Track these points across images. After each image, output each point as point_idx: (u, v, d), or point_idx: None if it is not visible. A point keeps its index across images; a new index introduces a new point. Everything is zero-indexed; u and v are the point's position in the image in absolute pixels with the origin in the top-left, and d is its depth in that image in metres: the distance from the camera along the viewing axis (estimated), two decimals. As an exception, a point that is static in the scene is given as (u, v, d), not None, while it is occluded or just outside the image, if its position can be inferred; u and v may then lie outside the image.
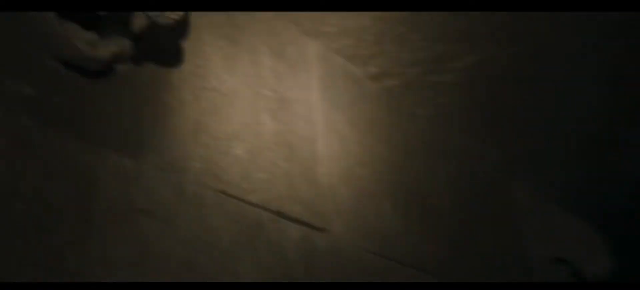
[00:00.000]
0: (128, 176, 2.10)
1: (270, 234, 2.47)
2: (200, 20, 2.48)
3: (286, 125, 2.71)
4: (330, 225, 2.73)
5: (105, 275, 1.90)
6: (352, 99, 3.10)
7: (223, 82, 2.52)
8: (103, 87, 2.10)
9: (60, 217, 1.89)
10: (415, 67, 3.23)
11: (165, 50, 2.28)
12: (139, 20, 1.99)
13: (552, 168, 4.09)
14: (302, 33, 2.88)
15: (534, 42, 3.16)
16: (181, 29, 2.18)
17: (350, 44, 3.04)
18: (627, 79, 3.45)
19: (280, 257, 2.44)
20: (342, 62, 3.11)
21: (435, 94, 3.39)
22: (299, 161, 2.72)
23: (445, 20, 2.97)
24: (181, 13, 1.90)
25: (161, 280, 2.02)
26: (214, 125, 2.45)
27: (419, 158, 3.37)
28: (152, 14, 1.88)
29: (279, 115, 2.69)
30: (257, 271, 2.33)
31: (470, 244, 3.46)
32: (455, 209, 3.47)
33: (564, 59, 3.28)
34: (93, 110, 2.07)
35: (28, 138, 1.89)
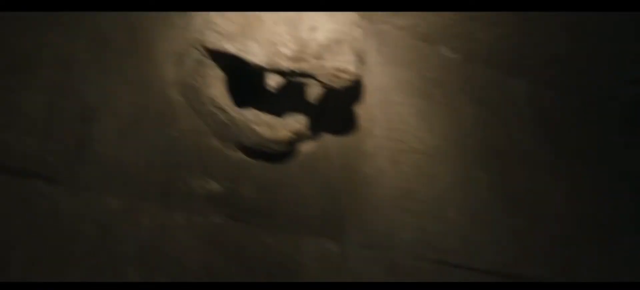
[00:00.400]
0: (332, 260, 1.92)
1: (508, 302, 2.14)
2: (386, 79, 2.28)
3: (503, 176, 2.39)
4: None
5: None
6: (577, 136, 2.67)
7: (423, 141, 2.28)
8: (291, 168, 1.96)
9: (265, 316, 1.73)
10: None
11: (347, 116, 2.10)
12: (314, 89, 1.82)
13: None
14: (502, 72, 2.57)
15: None
16: (357, 90, 1.99)
17: (561, 72, 2.65)
18: None
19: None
20: (557, 96, 2.71)
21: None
22: (526, 216, 2.38)
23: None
24: (353, 72, 1.71)
25: None
26: (421, 189, 2.20)
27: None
28: (324, 80, 1.71)
29: (492, 166, 2.38)
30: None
31: None
32: None
33: None
34: (284, 196, 1.93)
35: (221, 236, 1.79)
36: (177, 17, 1.96)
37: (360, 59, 1.85)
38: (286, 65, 1.68)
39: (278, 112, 1.87)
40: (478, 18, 2.35)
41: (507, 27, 2.39)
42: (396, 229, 2.09)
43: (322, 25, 1.70)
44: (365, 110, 2.19)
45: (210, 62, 1.81)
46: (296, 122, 1.89)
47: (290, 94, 1.86)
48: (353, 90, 1.92)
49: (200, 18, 1.80)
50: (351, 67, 1.73)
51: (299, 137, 1.91)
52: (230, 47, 1.73)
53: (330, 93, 1.81)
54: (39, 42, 1.77)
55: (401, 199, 2.15)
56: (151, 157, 1.80)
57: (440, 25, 2.38)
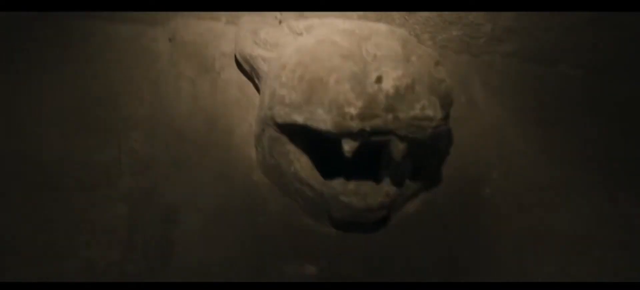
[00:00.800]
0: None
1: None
2: (499, 113, 2.03)
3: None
4: None
5: None
6: None
7: (549, 173, 1.99)
8: (392, 234, 1.77)
9: None
10: None
11: (455, 163, 1.87)
12: (395, 146, 1.61)
13: None
14: (633, 79, 2.19)
15: None
16: (444, 135, 1.76)
17: None
18: None
19: None
20: None
21: None
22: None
23: None
24: (435, 117, 1.50)
25: None
26: (555, 228, 1.92)
27: None
28: (403, 133, 1.51)
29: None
30: None
31: None
32: None
33: None
34: (390, 266, 1.74)
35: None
36: (255, 97, 1.87)
37: (447, 99, 1.64)
38: (355, 125, 1.51)
39: (371, 175, 1.69)
40: (596, 24, 2.05)
41: (629, 30, 2.06)
42: (534, 279, 1.82)
43: (388, 74, 1.51)
44: (477, 153, 1.95)
45: (285, 138, 1.69)
46: (388, 184, 1.69)
47: (376, 154, 1.68)
48: (436, 135, 1.70)
49: (269, 93, 1.69)
50: (431, 112, 1.52)
51: (393, 200, 1.71)
52: (299, 118, 1.59)
53: (419, 145, 1.60)
54: (118, 150, 1.75)
55: (534, 244, 1.88)
56: (239, 249, 1.70)
57: (553, 41, 2.11)
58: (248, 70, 1.85)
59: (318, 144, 1.69)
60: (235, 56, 1.88)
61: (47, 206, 1.63)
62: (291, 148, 1.70)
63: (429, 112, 1.53)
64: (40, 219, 1.62)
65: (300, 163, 1.70)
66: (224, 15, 1.96)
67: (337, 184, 1.68)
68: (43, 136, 1.73)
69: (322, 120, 1.54)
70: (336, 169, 1.70)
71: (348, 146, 1.55)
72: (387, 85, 1.50)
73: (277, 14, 1.90)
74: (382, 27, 1.68)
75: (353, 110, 1.50)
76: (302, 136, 1.67)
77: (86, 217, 1.65)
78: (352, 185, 1.67)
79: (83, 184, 1.69)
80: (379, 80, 1.51)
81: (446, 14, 2.01)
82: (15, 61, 1.80)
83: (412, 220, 1.81)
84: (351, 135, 1.53)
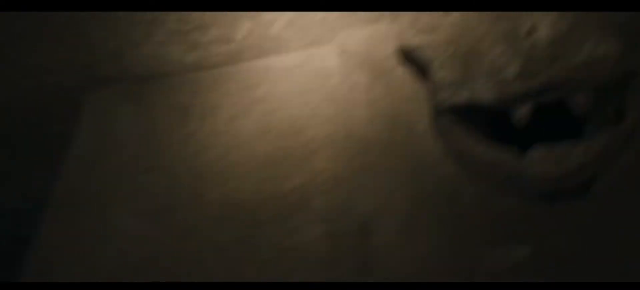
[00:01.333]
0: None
1: None
2: None
3: None
4: None
5: None
6: None
7: None
8: (603, 198, 1.55)
9: None
10: None
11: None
12: (575, 99, 1.39)
13: None
14: None
15: None
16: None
17: None
18: None
19: None
20: None
21: None
22: None
23: None
24: (612, 53, 1.27)
25: None
26: None
27: None
28: (577, 82, 1.31)
29: None
30: None
31: None
32: None
33: None
34: (605, 234, 1.52)
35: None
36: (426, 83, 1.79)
37: (628, 29, 1.41)
38: (518, 88, 1.36)
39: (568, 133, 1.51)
40: None
41: None
42: None
43: (541, 21, 1.35)
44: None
45: (460, 121, 1.58)
46: (586, 139, 1.49)
47: (554, 116, 1.49)
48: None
49: (432, 80, 1.60)
50: (603, 50, 1.32)
51: (597, 157, 1.50)
52: (461, 97, 1.49)
53: (606, 89, 1.39)
54: (307, 173, 1.79)
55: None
56: (442, 244, 1.62)
57: None
58: (414, 62, 1.78)
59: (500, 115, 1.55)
60: (401, 51, 1.82)
61: (248, 242, 1.71)
62: (468, 130, 1.58)
63: (602, 51, 1.32)
64: (244, 255, 1.70)
65: (483, 143, 1.57)
66: (385, 16, 1.92)
67: (527, 153, 1.52)
68: (238, 177, 1.82)
69: (484, 92, 1.42)
70: (528, 135, 1.54)
71: (517, 114, 1.41)
72: (542, 33, 1.34)
73: None
74: None
75: (512, 71, 1.36)
76: (475, 114, 1.55)
77: (286, 245, 1.70)
78: (542, 151, 1.50)
79: (278, 214, 1.74)
80: (531, 31, 1.35)
81: None
82: (203, 112, 1.94)
83: (630, 176, 1.57)
84: (517, 100, 1.38)
